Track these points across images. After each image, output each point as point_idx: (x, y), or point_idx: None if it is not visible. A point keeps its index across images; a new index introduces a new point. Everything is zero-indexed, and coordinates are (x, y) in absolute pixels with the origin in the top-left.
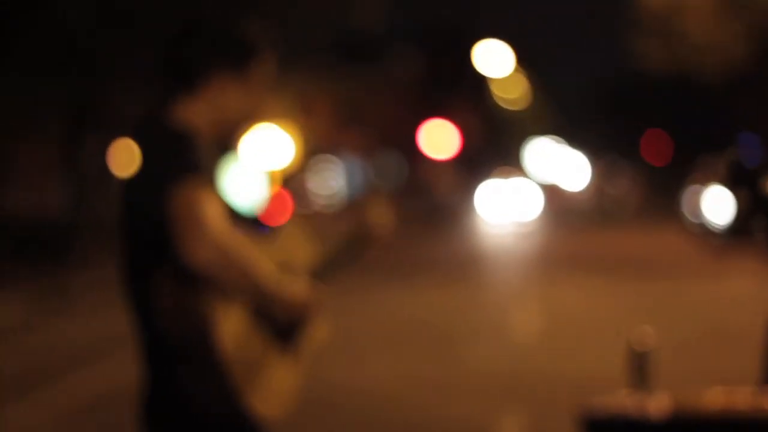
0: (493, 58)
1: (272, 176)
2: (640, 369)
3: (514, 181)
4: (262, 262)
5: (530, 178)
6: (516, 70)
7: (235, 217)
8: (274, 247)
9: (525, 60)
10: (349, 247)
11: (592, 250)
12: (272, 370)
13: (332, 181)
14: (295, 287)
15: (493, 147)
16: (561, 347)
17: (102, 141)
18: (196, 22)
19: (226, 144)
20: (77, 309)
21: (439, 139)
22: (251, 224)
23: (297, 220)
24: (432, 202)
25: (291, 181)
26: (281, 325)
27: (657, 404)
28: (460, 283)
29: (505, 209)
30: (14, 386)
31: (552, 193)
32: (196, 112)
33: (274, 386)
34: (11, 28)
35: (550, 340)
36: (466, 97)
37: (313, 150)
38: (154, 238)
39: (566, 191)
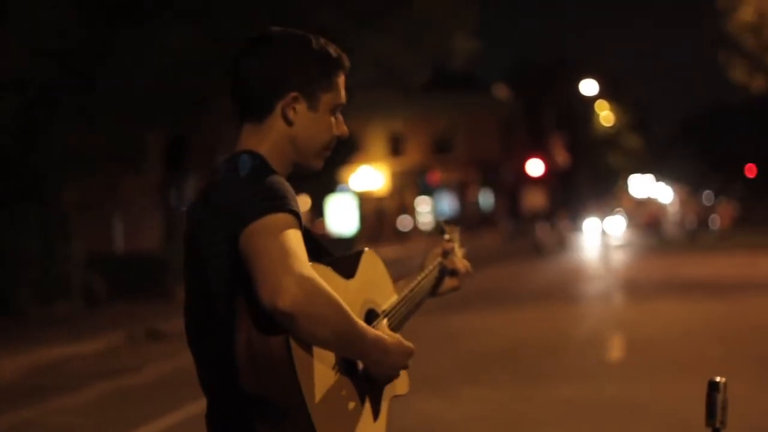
0: (591, 90)
1: (369, 204)
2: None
3: (612, 214)
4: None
5: (626, 208)
6: (611, 101)
7: (328, 245)
8: (355, 282)
9: (621, 91)
10: (425, 286)
11: (684, 272)
12: (362, 430)
13: (426, 212)
14: (387, 332)
15: (590, 177)
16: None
17: (197, 182)
18: (267, 37)
19: (305, 173)
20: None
21: (534, 169)
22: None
23: (376, 250)
24: (530, 229)
25: (386, 211)
26: (369, 377)
27: None
28: (561, 302)
29: (603, 233)
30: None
31: (647, 217)
32: (266, 142)
33: None
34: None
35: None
36: (562, 128)
37: (407, 181)
38: (227, 283)
39: (662, 217)
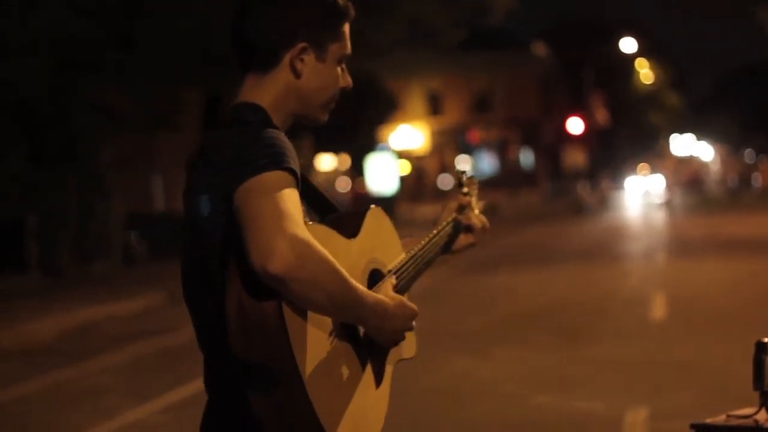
0: (630, 48)
1: (407, 162)
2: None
3: (652, 173)
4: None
5: (667, 167)
6: (651, 58)
7: (368, 200)
8: (359, 242)
9: (660, 49)
10: (438, 243)
11: (726, 230)
12: (360, 398)
13: (464, 170)
14: (390, 294)
15: (630, 136)
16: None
17: None
18: None
19: (307, 126)
20: None
21: (574, 127)
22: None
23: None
24: (570, 188)
25: (422, 169)
26: (372, 341)
27: None
28: (602, 261)
29: (644, 191)
30: None
31: (688, 175)
32: (269, 95)
33: (361, 417)
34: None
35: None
36: (602, 86)
37: (447, 140)
38: (221, 241)
39: (704, 175)
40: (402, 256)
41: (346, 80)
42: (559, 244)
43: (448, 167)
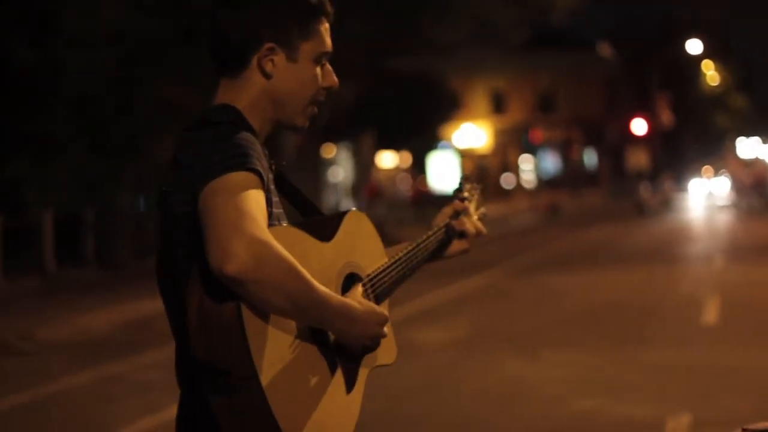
0: (696, 49)
1: (468, 160)
2: None
3: (716, 175)
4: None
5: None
6: (718, 60)
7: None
8: (334, 245)
9: (728, 50)
10: (427, 248)
11: None
12: (328, 404)
13: (529, 170)
14: (359, 299)
15: (695, 137)
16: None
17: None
18: None
19: (288, 130)
20: None
21: (638, 128)
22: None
23: (370, 211)
24: (633, 189)
25: (485, 168)
26: (340, 346)
27: None
28: (660, 263)
29: (708, 193)
30: None
31: (753, 178)
32: (243, 99)
33: (327, 423)
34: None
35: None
36: (667, 87)
37: (510, 139)
38: (187, 242)
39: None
40: (384, 261)
41: (330, 79)
42: (619, 245)
43: (510, 166)
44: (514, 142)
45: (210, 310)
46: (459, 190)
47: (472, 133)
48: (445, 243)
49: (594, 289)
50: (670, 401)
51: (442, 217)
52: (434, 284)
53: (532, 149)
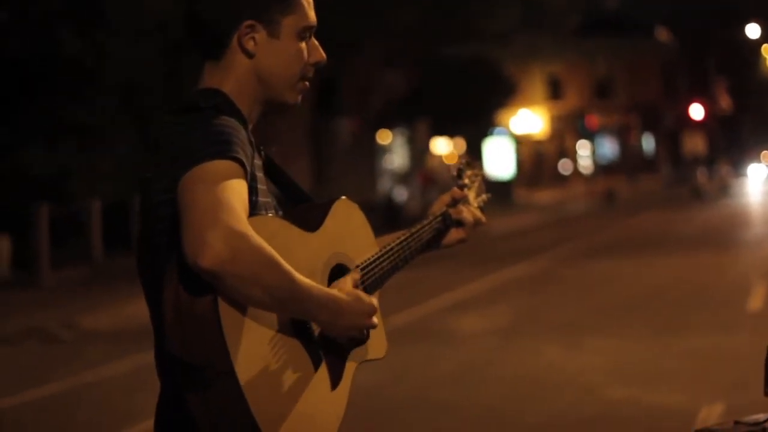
0: (755, 34)
1: (524, 146)
2: None
3: None
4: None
5: None
6: None
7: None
8: (320, 235)
9: None
10: (421, 237)
11: None
12: (310, 400)
13: (587, 156)
14: (345, 289)
15: (754, 123)
16: None
17: (344, 123)
18: None
19: (280, 109)
20: None
21: (696, 113)
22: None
23: (351, 199)
24: (690, 174)
25: (542, 154)
26: (328, 340)
27: None
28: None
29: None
30: None
31: None
32: (229, 81)
33: (309, 419)
34: None
35: None
36: (726, 73)
37: (566, 125)
38: (166, 231)
39: None
40: (374, 251)
41: (317, 54)
42: (673, 231)
43: (567, 152)
44: (570, 127)
45: (186, 302)
46: (458, 177)
47: (529, 119)
48: (441, 232)
49: (642, 276)
50: (706, 390)
51: (439, 205)
52: (481, 271)
53: (589, 135)
